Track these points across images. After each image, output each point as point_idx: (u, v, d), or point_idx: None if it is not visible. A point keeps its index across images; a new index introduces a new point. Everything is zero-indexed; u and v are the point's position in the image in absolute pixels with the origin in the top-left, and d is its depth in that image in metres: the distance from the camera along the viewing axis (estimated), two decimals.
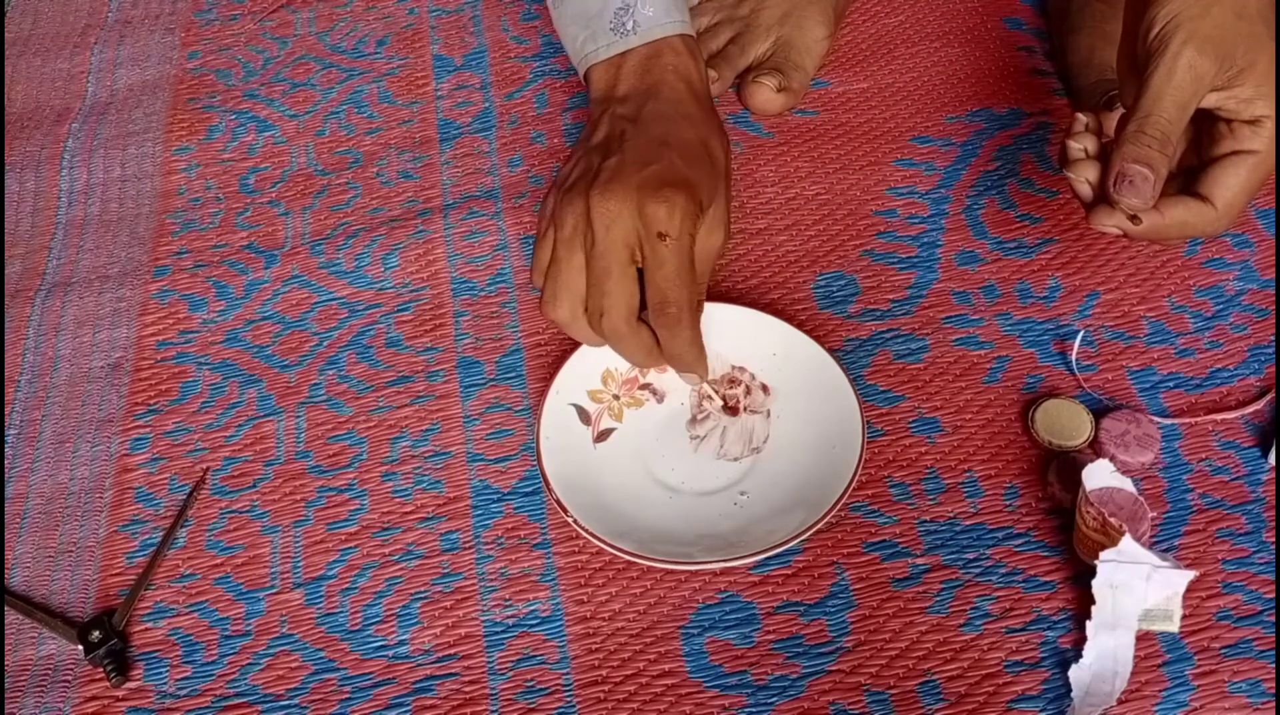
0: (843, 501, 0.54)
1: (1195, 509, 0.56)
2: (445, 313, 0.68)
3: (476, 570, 0.57)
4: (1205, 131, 0.55)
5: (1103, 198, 0.54)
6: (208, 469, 0.63)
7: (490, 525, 0.59)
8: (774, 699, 0.52)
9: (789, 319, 0.62)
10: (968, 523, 0.57)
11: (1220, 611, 0.53)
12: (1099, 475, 0.53)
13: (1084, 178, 0.56)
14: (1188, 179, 0.56)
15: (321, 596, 0.57)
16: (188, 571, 0.59)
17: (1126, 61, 0.56)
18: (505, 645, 0.55)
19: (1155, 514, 0.56)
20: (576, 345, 0.61)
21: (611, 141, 0.59)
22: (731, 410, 0.61)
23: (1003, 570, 0.55)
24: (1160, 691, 0.51)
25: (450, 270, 0.70)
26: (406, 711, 0.53)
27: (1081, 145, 0.56)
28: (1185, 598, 0.51)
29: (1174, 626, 0.52)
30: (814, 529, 0.54)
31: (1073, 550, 0.55)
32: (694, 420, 0.61)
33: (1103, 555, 0.50)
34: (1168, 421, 0.59)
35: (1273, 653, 0.51)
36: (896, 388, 0.62)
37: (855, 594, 0.55)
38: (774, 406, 0.61)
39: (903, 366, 0.63)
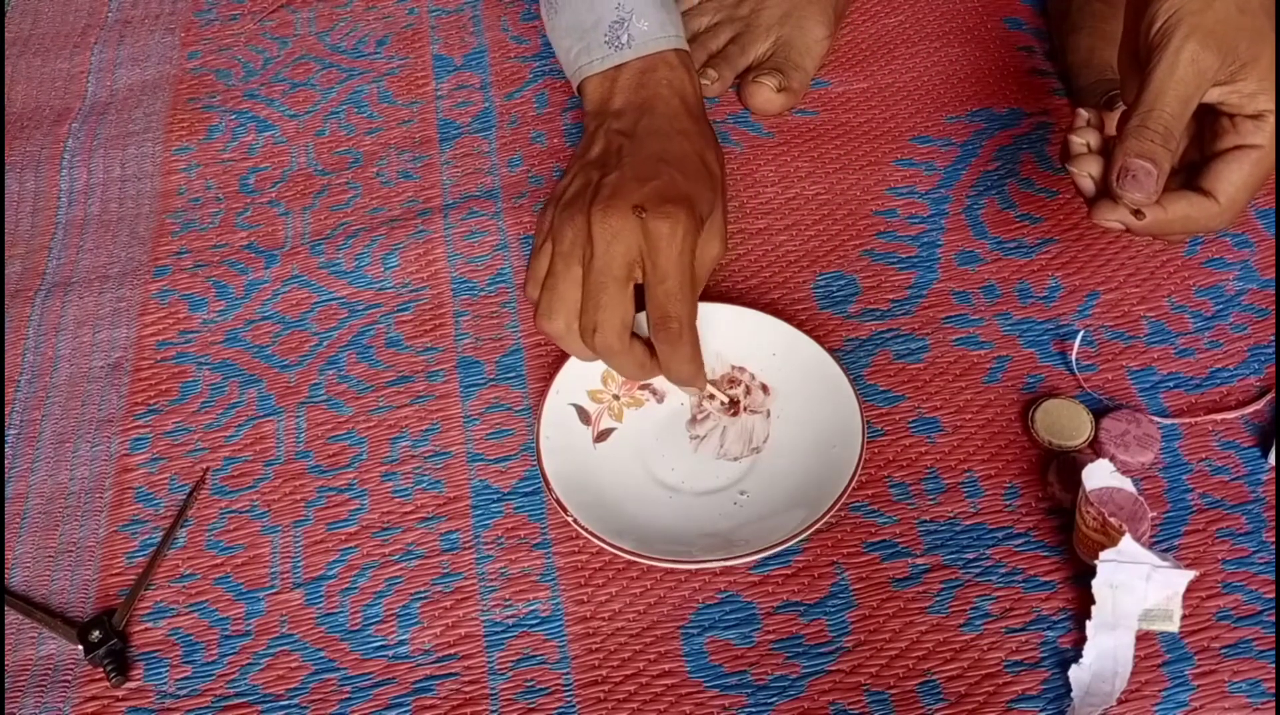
0: (842, 501, 0.54)
1: (1195, 509, 0.56)
2: (445, 313, 0.68)
3: (476, 570, 0.57)
4: (1208, 126, 0.55)
5: (1105, 193, 0.54)
6: (208, 469, 0.63)
7: (490, 525, 0.59)
8: (774, 699, 0.52)
9: (789, 319, 0.62)
10: (968, 523, 0.57)
11: (1220, 611, 0.53)
12: (1099, 475, 0.53)
13: (1086, 172, 0.56)
14: (1190, 175, 0.56)
15: (321, 596, 0.57)
16: (188, 571, 0.59)
17: (1128, 58, 0.56)
18: (505, 645, 0.55)
19: (1155, 514, 0.56)
20: (568, 358, 0.61)
21: (609, 157, 0.59)
22: (732, 410, 0.61)
23: (1003, 570, 0.55)
24: (1160, 691, 0.51)
25: (450, 270, 0.70)
26: (406, 711, 0.53)
27: (1084, 140, 0.56)
28: (1185, 598, 0.51)
29: (1174, 626, 0.52)
30: (813, 528, 0.54)
31: (1073, 550, 0.55)
32: (694, 420, 0.62)
33: (1103, 555, 0.50)
34: (1168, 421, 0.59)
35: (1273, 653, 0.51)
36: (896, 388, 0.62)
37: (855, 594, 0.55)
38: (774, 406, 0.61)
39: (903, 366, 0.63)
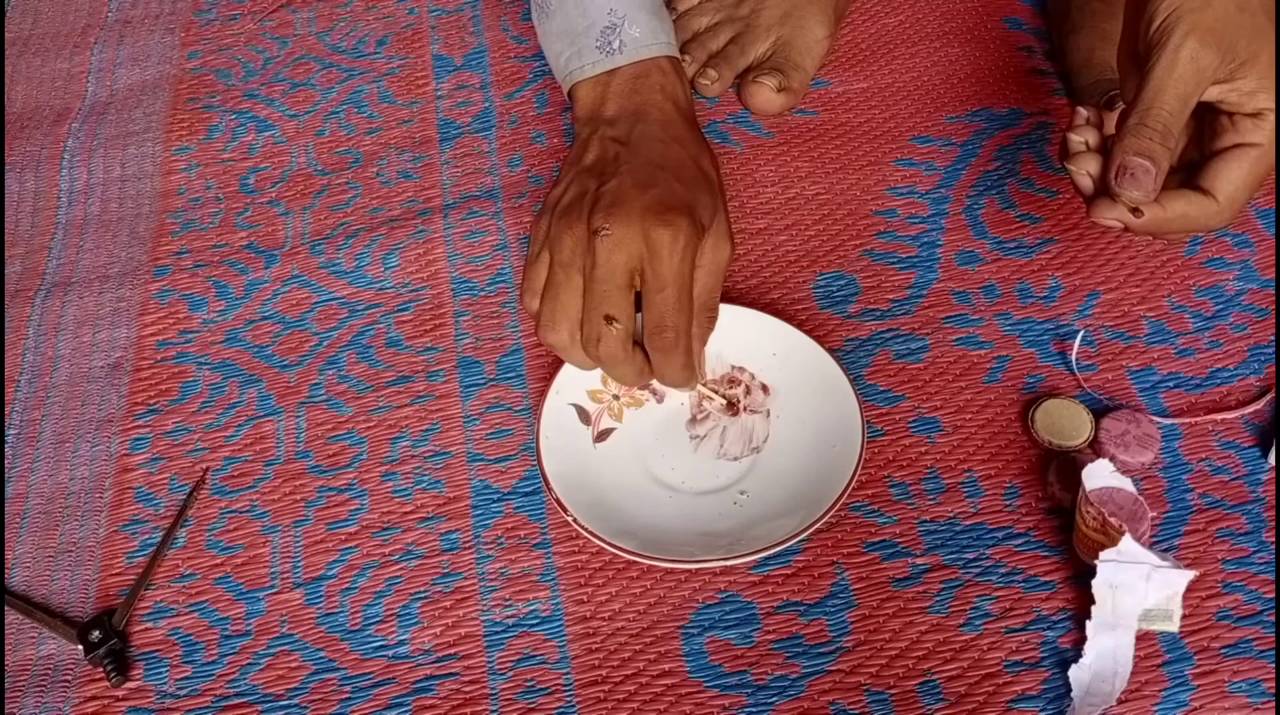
0: (842, 501, 0.54)
1: (1195, 509, 0.56)
2: (445, 313, 0.68)
3: (476, 570, 0.57)
4: (1207, 125, 0.55)
5: (1104, 191, 0.54)
6: (208, 469, 0.63)
7: (490, 525, 0.59)
8: (774, 699, 0.52)
9: (789, 319, 0.62)
10: (968, 523, 0.57)
11: (1220, 611, 0.53)
12: (1099, 475, 0.53)
13: (1085, 170, 0.56)
14: (1189, 173, 0.56)
15: (321, 596, 0.57)
16: (188, 571, 0.59)
17: (1127, 56, 0.56)
18: (505, 645, 0.55)
19: (1155, 514, 0.56)
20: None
21: (605, 164, 0.59)
22: (731, 410, 0.61)
23: (1003, 570, 0.55)
24: (1160, 691, 0.51)
25: (450, 270, 0.70)
26: (406, 711, 0.53)
27: (1082, 138, 0.56)
28: (1185, 598, 0.51)
29: (1174, 626, 0.52)
30: (813, 528, 0.54)
31: (1073, 550, 0.55)
32: (694, 420, 0.62)
33: (1103, 555, 0.50)
34: (1168, 421, 0.59)
35: (1273, 653, 0.51)
36: (896, 388, 0.62)
37: (855, 594, 0.55)
38: (774, 406, 0.61)
39: (903, 366, 0.63)
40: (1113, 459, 0.57)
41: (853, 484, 0.55)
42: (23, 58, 0.88)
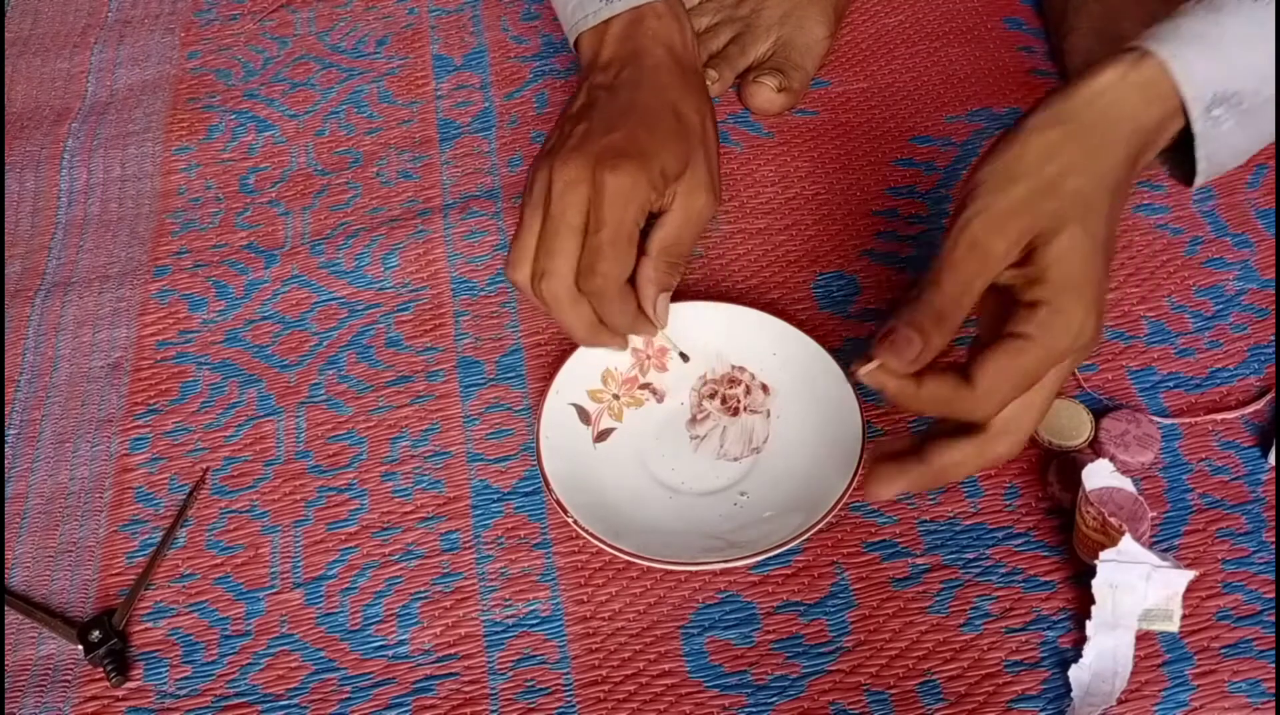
0: (843, 502, 0.54)
1: (1195, 509, 0.56)
2: (445, 313, 0.68)
3: (476, 570, 0.57)
4: (1007, 303, 0.51)
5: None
6: (208, 469, 0.63)
7: (490, 525, 0.59)
8: (774, 699, 0.52)
9: (789, 319, 0.62)
10: (968, 523, 0.57)
11: (1220, 611, 0.53)
12: (1099, 475, 0.53)
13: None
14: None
15: (321, 596, 0.57)
16: (188, 571, 0.59)
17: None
18: (505, 645, 0.55)
19: (1155, 514, 0.56)
20: (576, 345, 0.61)
21: (584, 110, 0.59)
22: (731, 410, 0.61)
23: (1003, 570, 0.55)
24: (1160, 691, 0.51)
25: (450, 270, 0.70)
26: (406, 711, 0.53)
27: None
28: (1185, 598, 0.51)
29: (1174, 626, 0.52)
30: (814, 529, 0.54)
31: (1073, 550, 0.55)
32: (694, 420, 0.62)
33: (1103, 555, 0.50)
34: (1168, 421, 0.59)
35: (1273, 653, 0.51)
36: None
37: (855, 594, 0.55)
38: (774, 406, 0.61)
39: None
40: (1113, 459, 0.57)
41: (853, 484, 0.55)
42: (23, 58, 0.88)
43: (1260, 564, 0.54)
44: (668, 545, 0.55)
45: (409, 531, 0.59)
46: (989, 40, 0.80)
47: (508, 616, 0.56)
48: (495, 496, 0.60)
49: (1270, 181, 0.68)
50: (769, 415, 0.61)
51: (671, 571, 0.56)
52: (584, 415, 0.61)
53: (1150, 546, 0.51)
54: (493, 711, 0.53)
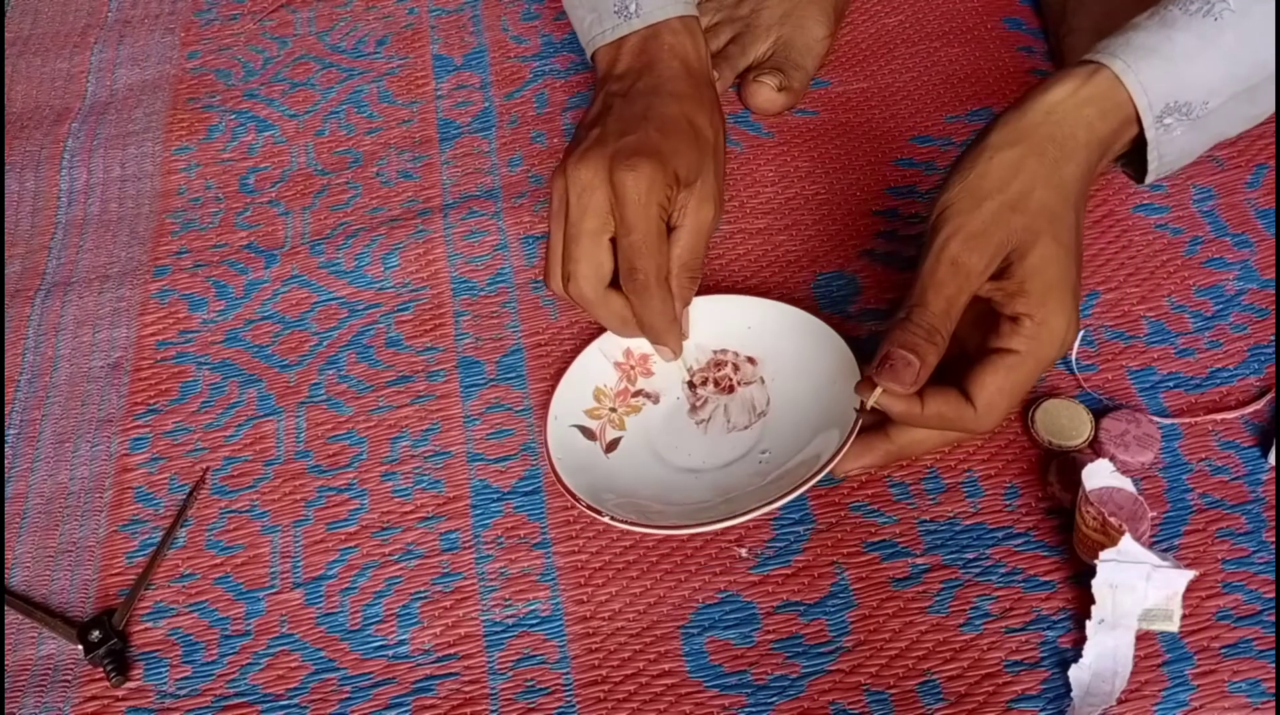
0: (860, 419, 0.54)
1: (1195, 509, 0.56)
2: (445, 313, 0.68)
3: (476, 570, 0.57)
4: (990, 319, 0.54)
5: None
6: (207, 469, 0.63)
7: (490, 525, 0.59)
8: (774, 699, 0.52)
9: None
10: (968, 522, 0.57)
11: (1220, 611, 0.53)
12: (1099, 475, 0.53)
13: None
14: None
15: (321, 596, 0.57)
16: (187, 571, 0.59)
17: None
18: (505, 645, 0.55)
19: (1155, 514, 0.56)
20: (569, 359, 0.62)
21: (599, 117, 0.61)
22: (726, 389, 0.62)
23: (1003, 570, 0.55)
24: (1160, 691, 0.51)
25: (450, 270, 0.70)
26: (406, 711, 0.53)
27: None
28: (1185, 597, 0.51)
29: (1174, 626, 0.52)
30: (849, 441, 0.54)
31: (1073, 550, 0.55)
32: (694, 408, 0.62)
33: (1103, 555, 0.50)
34: (1168, 421, 0.59)
35: (1273, 652, 0.51)
36: None
37: (855, 594, 0.55)
38: (765, 372, 0.62)
39: None
40: (1113, 459, 0.57)
41: (864, 411, 0.54)
42: (23, 58, 0.88)
43: (1260, 564, 0.54)
44: (716, 514, 0.55)
45: (409, 531, 0.59)
46: (989, 40, 0.80)
47: (507, 616, 0.56)
48: (495, 496, 0.60)
49: (1270, 181, 0.68)
50: (763, 381, 0.62)
51: (671, 571, 0.56)
52: (588, 433, 0.61)
53: (1150, 546, 0.51)
54: (493, 711, 0.53)
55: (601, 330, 0.63)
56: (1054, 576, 0.55)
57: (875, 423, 0.56)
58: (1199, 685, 0.51)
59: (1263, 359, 0.61)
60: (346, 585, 0.57)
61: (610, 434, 0.61)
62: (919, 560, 0.56)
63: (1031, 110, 0.54)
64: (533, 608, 0.56)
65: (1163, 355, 0.62)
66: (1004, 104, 0.56)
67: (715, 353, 0.63)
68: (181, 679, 0.55)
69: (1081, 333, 0.63)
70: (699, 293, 0.63)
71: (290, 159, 0.78)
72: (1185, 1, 0.54)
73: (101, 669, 0.55)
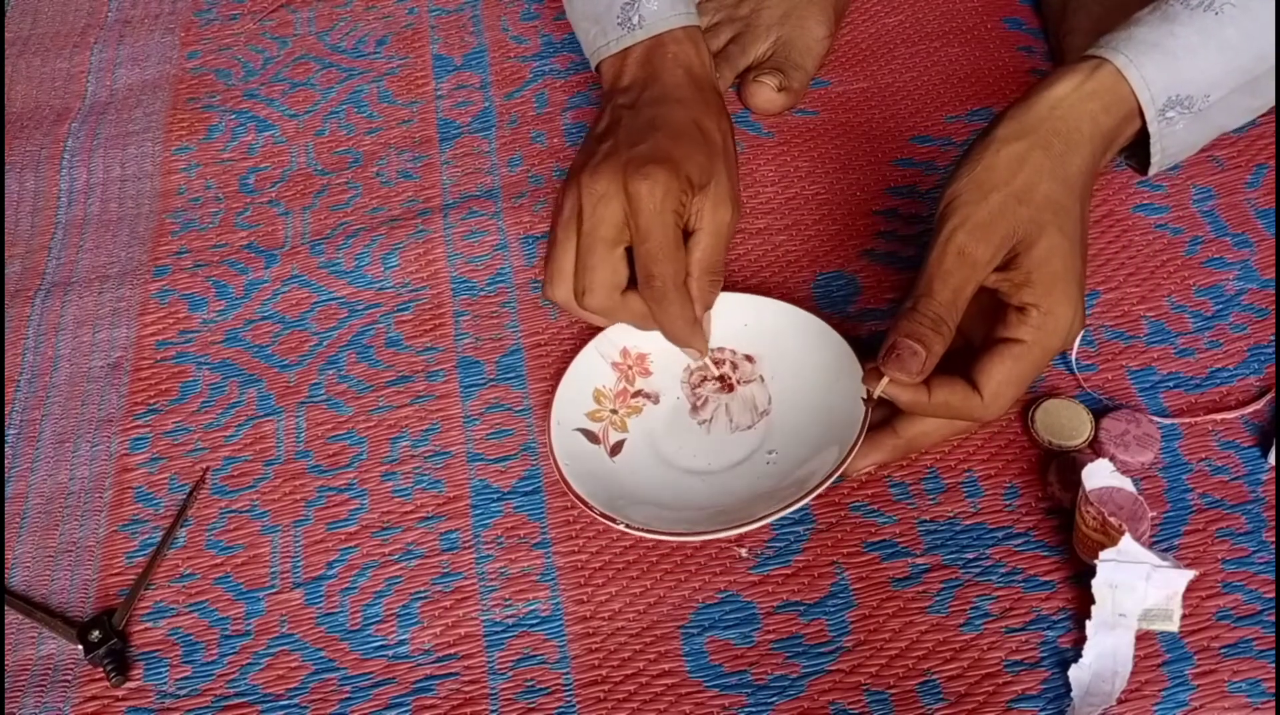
0: (869, 418, 0.55)
1: (1195, 509, 0.56)
2: (445, 313, 0.68)
3: (476, 570, 0.57)
4: (997, 310, 0.54)
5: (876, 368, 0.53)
6: (207, 469, 0.63)
7: (490, 525, 0.59)
8: (774, 699, 0.52)
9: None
10: (968, 522, 0.57)
11: (1220, 611, 0.53)
12: (1099, 475, 0.53)
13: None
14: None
15: (321, 596, 0.57)
16: (187, 571, 0.59)
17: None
18: (505, 645, 0.55)
19: (1155, 514, 0.56)
20: (568, 360, 0.62)
21: (608, 129, 0.61)
22: (727, 387, 0.62)
23: (1003, 570, 0.55)
24: (1160, 691, 0.51)
25: (450, 270, 0.70)
26: (406, 711, 0.53)
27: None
28: (1185, 597, 0.51)
29: (1174, 626, 0.52)
30: (855, 447, 0.54)
31: (1073, 550, 0.55)
32: (695, 408, 0.62)
33: (1103, 555, 0.50)
34: (1168, 421, 0.59)
35: (1273, 652, 0.51)
36: None
37: (855, 594, 0.55)
38: (764, 370, 0.62)
39: None
40: (1113, 459, 0.57)
41: (871, 405, 0.55)
42: (22, 58, 0.88)
43: (1260, 564, 0.54)
44: (729, 519, 0.55)
45: (409, 531, 0.59)
46: (989, 40, 0.80)
47: (508, 616, 0.56)
48: (495, 496, 0.60)
49: (1270, 181, 0.68)
50: (763, 380, 0.62)
51: (671, 571, 0.56)
52: (591, 436, 0.61)
53: (1150, 546, 0.51)
54: (493, 711, 0.53)
55: (599, 331, 0.63)
56: (1054, 576, 0.55)
57: (881, 419, 0.56)
58: (1199, 685, 0.51)
59: (1263, 359, 0.61)
60: (346, 585, 0.57)
61: (613, 436, 0.61)
62: (919, 560, 0.56)
63: (1036, 105, 0.54)
64: (533, 608, 0.56)
65: (1163, 355, 0.62)
66: (1004, 104, 0.57)
67: (713, 351, 0.63)
68: (181, 679, 0.55)
69: (1082, 332, 0.62)
70: None
71: (290, 159, 0.78)
72: None
73: (101, 669, 0.55)
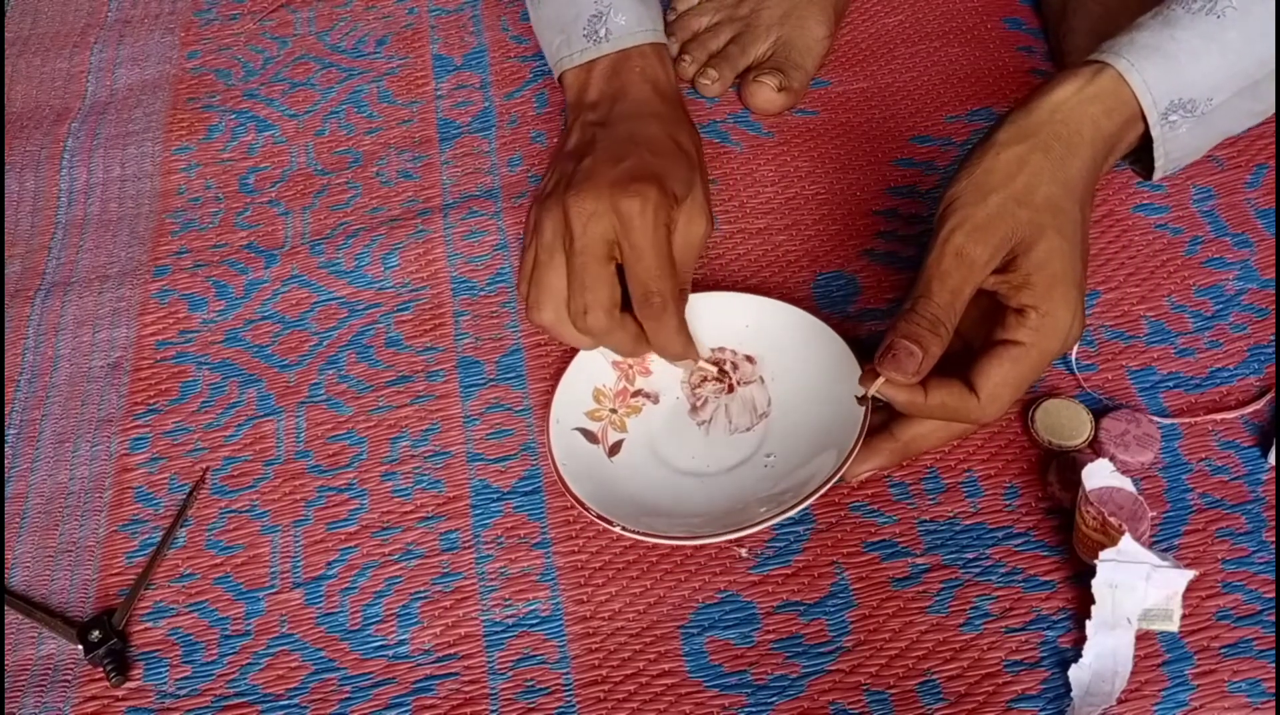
0: (868, 410, 0.55)
1: (1195, 509, 0.56)
2: (445, 312, 0.68)
3: (476, 570, 0.57)
4: (995, 312, 0.54)
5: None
6: (207, 469, 0.63)
7: (490, 525, 0.59)
8: (774, 699, 0.52)
9: None
10: (967, 522, 0.57)
11: (1220, 611, 0.53)
12: (1099, 475, 0.53)
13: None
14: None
15: (321, 596, 0.57)
16: (187, 571, 0.59)
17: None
18: (505, 645, 0.55)
19: (1155, 514, 0.56)
20: (568, 359, 0.62)
21: (583, 147, 0.61)
22: (727, 388, 0.62)
23: (1002, 570, 0.55)
24: (1160, 691, 0.51)
25: (450, 270, 0.70)
26: (406, 711, 0.53)
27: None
28: (1185, 597, 0.51)
29: (1174, 626, 0.52)
30: (855, 449, 0.54)
31: (1073, 550, 0.55)
32: (694, 408, 0.62)
33: (1103, 555, 0.50)
34: (1167, 421, 0.59)
35: (1272, 652, 0.51)
36: None
37: (855, 594, 0.55)
38: (764, 371, 0.62)
39: None
40: (1113, 459, 0.57)
41: (869, 409, 0.55)
42: (22, 57, 0.88)
43: (1260, 564, 0.54)
44: (725, 523, 0.55)
45: (409, 531, 0.59)
46: (989, 40, 0.80)
47: (507, 616, 0.56)
48: (495, 496, 0.60)
49: (1270, 181, 0.68)
50: (763, 381, 0.62)
51: (671, 571, 0.56)
52: (590, 436, 0.61)
53: (1150, 546, 0.51)
54: (493, 711, 0.53)
55: None
56: (1054, 576, 0.55)
57: (879, 423, 0.56)
58: (1199, 685, 0.51)
59: (1263, 359, 0.61)
60: (346, 585, 0.57)
61: (612, 436, 0.61)
62: (919, 560, 0.56)
63: (1038, 108, 0.54)
64: (533, 608, 0.56)
65: (1163, 355, 0.62)
66: (1004, 104, 0.57)
67: (713, 351, 0.63)
68: (181, 679, 0.55)
69: (1081, 335, 0.62)
70: (697, 289, 0.63)
71: (290, 159, 0.78)
72: (1188, 0, 0.54)
73: (101, 669, 0.55)
